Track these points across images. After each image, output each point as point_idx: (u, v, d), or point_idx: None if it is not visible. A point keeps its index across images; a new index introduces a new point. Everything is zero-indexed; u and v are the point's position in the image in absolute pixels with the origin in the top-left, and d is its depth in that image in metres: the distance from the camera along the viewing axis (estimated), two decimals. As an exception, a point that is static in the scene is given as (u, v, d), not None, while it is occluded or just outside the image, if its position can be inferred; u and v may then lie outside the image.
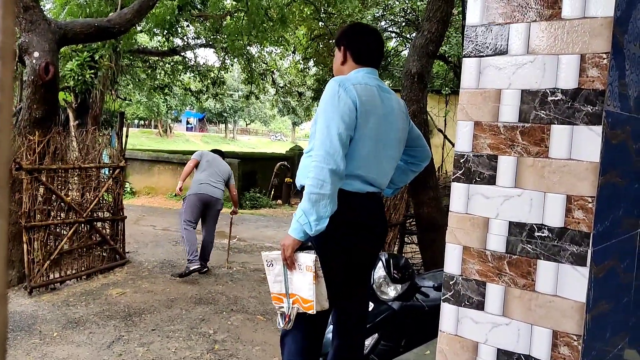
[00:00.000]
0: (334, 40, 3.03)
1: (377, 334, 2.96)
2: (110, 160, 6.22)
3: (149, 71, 14.63)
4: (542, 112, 1.50)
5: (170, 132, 40.06)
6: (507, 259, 1.56)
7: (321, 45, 12.92)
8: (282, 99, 18.73)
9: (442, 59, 10.06)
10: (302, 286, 2.02)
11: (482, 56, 1.61)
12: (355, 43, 2.25)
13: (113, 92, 12.32)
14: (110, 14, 7.29)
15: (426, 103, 5.16)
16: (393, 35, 12.62)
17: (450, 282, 1.67)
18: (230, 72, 19.60)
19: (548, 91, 1.49)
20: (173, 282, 5.54)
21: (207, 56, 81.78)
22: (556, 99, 1.48)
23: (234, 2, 11.65)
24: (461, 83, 1.66)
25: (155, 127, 39.99)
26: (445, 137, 10.06)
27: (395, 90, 3.27)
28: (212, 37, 13.21)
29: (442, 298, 1.70)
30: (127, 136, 6.24)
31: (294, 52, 14.87)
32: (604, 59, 1.41)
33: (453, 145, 7.85)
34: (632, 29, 1.53)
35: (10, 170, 4.77)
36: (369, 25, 3.04)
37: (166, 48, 13.27)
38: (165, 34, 11.53)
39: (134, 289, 5.26)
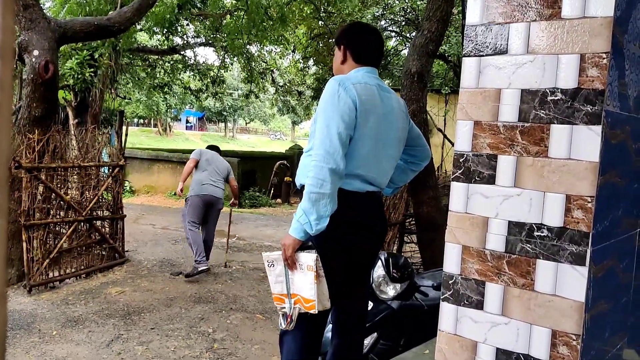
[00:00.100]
0: (333, 40, 3.03)
1: (376, 333, 2.96)
2: (109, 158, 6.22)
3: (149, 70, 14.62)
4: (542, 111, 1.50)
5: (170, 130, 40.02)
6: (506, 258, 1.56)
7: (321, 44, 12.92)
8: (281, 98, 18.73)
9: (442, 59, 10.06)
10: (304, 286, 2.02)
11: (482, 55, 1.61)
12: (355, 42, 2.24)
13: (113, 91, 12.31)
14: (110, 13, 7.30)
15: (426, 102, 5.16)
16: (393, 34, 12.61)
17: (450, 282, 1.67)
18: (230, 71, 19.58)
19: (548, 91, 1.49)
20: (172, 281, 5.54)
21: (207, 55, 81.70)
22: (556, 98, 1.48)
23: (234, 1, 11.65)
24: (461, 82, 1.66)
25: (155, 125, 39.95)
26: (444, 136, 10.05)
27: (395, 90, 3.27)
28: (211, 35, 13.20)
29: (441, 297, 1.70)
30: (126, 135, 6.23)
31: (293, 51, 14.87)
32: (604, 58, 1.41)
33: (453, 144, 7.85)
34: (632, 28, 1.53)
35: (10, 168, 4.76)
36: (369, 24, 3.04)
37: (166, 47, 13.26)
38: (165, 32, 11.52)
39: (133, 287, 5.26)
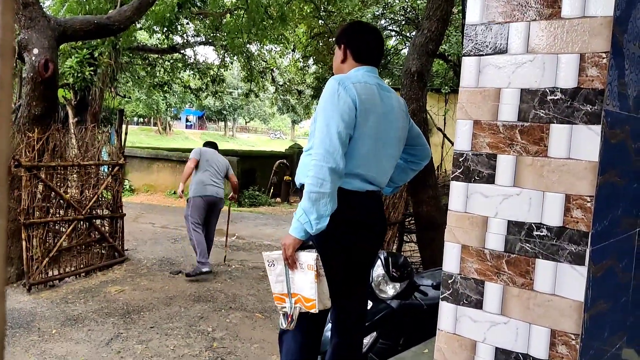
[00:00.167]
0: (333, 39, 3.03)
1: (375, 333, 2.96)
2: (109, 157, 6.22)
3: (149, 69, 14.61)
4: (542, 111, 1.50)
5: (170, 129, 40.01)
6: (505, 257, 1.56)
7: (321, 44, 12.91)
8: (281, 97, 18.70)
9: (442, 58, 10.06)
10: (304, 285, 2.01)
11: (482, 55, 1.61)
12: (355, 41, 2.24)
13: (112, 90, 12.31)
14: (109, 11, 7.29)
15: (426, 102, 5.16)
16: (393, 33, 12.61)
17: (449, 281, 1.67)
18: (230, 69, 19.56)
19: (547, 90, 1.49)
20: (172, 280, 5.54)
21: (207, 54, 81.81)
22: (555, 98, 1.48)
23: (234, 0, 11.64)
24: (461, 82, 1.66)
25: (155, 124, 39.94)
26: (444, 135, 10.06)
27: (395, 89, 3.27)
28: (211, 34, 13.20)
29: (440, 297, 1.70)
30: (126, 133, 6.23)
31: (293, 50, 14.86)
32: (604, 58, 1.41)
33: (452, 144, 7.86)
34: (632, 28, 1.53)
35: (9, 167, 4.76)
36: (369, 23, 3.04)
37: (166, 45, 13.25)
38: (164, 31, 11.51)
39: (133, 286, 5.26)
